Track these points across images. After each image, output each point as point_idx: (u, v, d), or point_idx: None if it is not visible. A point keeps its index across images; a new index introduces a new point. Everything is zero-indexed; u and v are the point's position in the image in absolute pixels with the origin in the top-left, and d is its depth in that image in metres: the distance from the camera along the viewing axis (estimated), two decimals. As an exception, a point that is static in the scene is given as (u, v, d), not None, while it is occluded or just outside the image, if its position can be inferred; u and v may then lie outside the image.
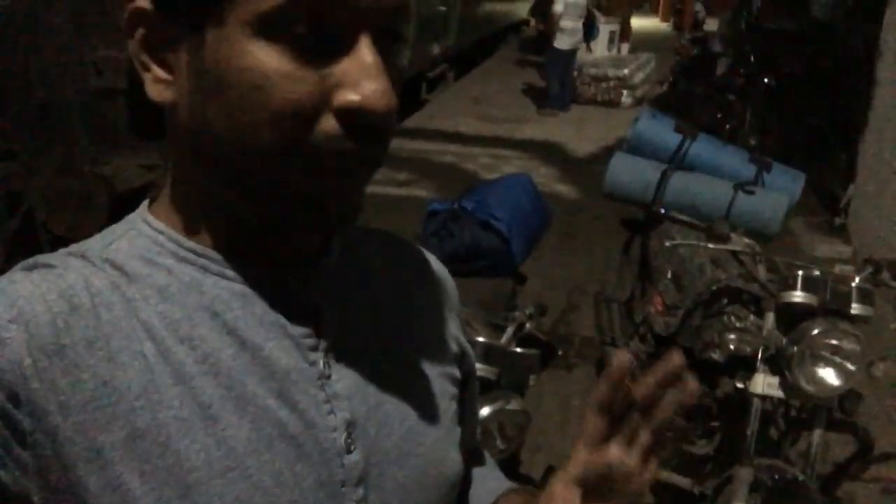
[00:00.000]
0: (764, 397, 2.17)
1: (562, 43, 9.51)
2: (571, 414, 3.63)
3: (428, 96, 10.92)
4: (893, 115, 5.09)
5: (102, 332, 0.52)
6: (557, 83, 9.81)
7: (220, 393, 0.54)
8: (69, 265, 0.54)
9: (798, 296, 2.09)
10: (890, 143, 5.09)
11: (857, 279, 2.15)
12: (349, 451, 0.59)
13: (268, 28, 0.49)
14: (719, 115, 7.88)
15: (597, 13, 11.57)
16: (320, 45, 0.50)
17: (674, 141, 3.12)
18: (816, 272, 2.14)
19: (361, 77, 0.50)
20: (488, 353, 1.83)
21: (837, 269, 2.20)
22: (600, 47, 11.84)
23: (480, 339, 1.84)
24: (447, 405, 0.69)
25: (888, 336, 3.40)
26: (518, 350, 1.91)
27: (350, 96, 0.50)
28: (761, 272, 2.26)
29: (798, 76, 7.65)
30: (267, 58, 0.49)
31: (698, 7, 19.40)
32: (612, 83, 10.37)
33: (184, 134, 0.55)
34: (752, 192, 2.98)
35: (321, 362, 0.59)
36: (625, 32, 13.64)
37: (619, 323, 3.45)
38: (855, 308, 2.07)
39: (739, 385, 2.22)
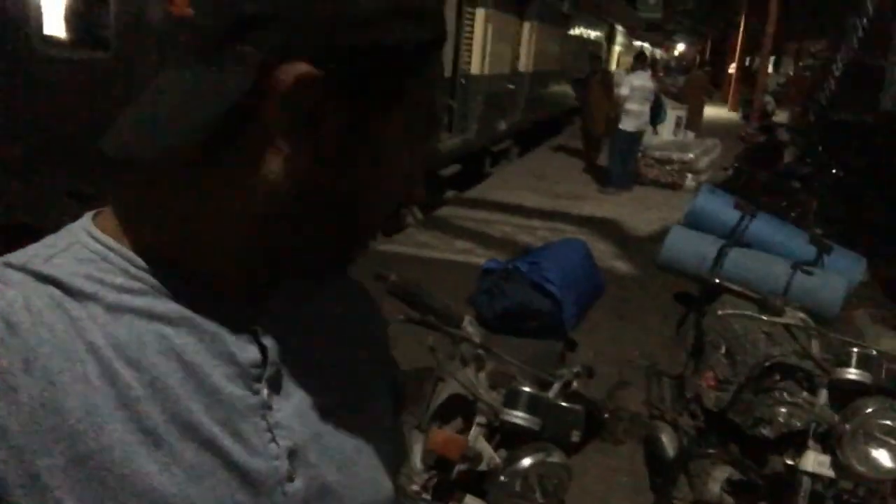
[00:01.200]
0: (814, 476, 2.12)
1: (627, 125, 9.65)
2: (615, 489, 3.56)
3: (491, 169, 11.13)
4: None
5: (42, 353, 0.50)
6: (620, 163, 9.90)
7: (165, 418, 0.53)
8: (9, 280, 0.52)
9: (852, 373, 2.06)
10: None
11: (914, 361, 2.11)
12: (291, 480, 0.59)
13: (414, 133, 0.60)
14: (784, 204, 7.82)
15: (665, 98, 11.71)
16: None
17: (733, 217, 3.14)
18: (872, 351, 2.11)
19: (422, 174, 0.64)
20: (533, 404, 1.85)
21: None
22: (667, 131, 11.92)
23: (526, 388, 1.86)
24: (383, 434, 0.71)
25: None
26: (563, 404, 1.92)
27: (419, 189, 0.64)
28: (815, 348, 2.23)
29: (865, 168, 7.56)
30: (408, 154, 0.60)
31: (768, 98, 19.42)
32: (676, 166, 10.40)
33: (277, 189, 0.55)
34: (810, 273, 2.97)
35: (264, 391, 0.59)
36: (695, 121, 13.69)
37: (669, 397, 3.40)
38: (911, 389, 2.03)
39: (789, 462, 2.18)
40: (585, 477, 3.58)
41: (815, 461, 2.09)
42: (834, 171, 7.52)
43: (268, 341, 0.60)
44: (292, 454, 0.59)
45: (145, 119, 0.54)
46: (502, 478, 1.82)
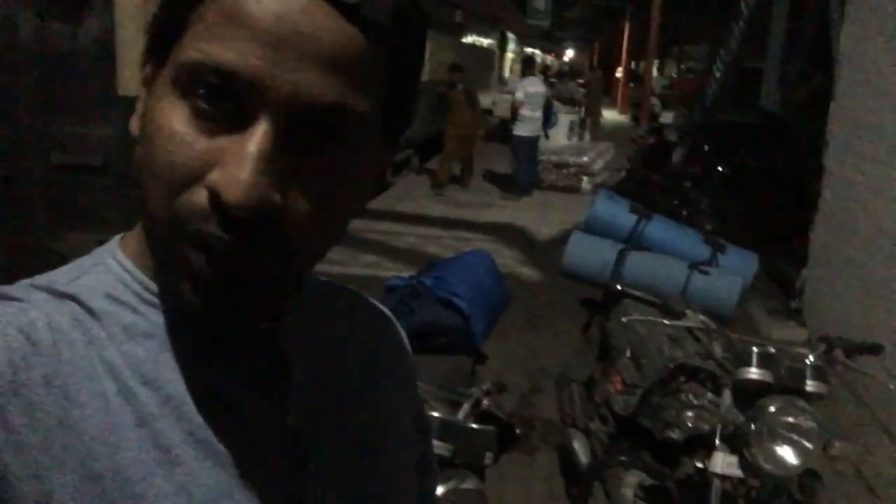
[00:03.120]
0: (724, 477, 2.14)
1: (522, 130, 9.81)
2: (533, 499, 3.54)
3: (392, 179, 11.07)
4: (841, 202, 5.27)
5: (62, 371, 0.50)
6: (521, 168, 10.05)
7: (182, 436, 0.53)
8: (32, 299, 0.53)
9: (754, 372, 2.09)
10: (840, 228, 5.25)
11: (811, 357, 2.17)
12: (305, 492, 0.58)
13: (179, 84, 0.49)
14: (676, 202, 8.09)
15: (557, 103, 11.95)
16: (221, 116, 0.48)
17: (630, 221, 3.19)
18: (771, 349, 2.16)
19: (232, 160, 0.47)
20: (443, 429, 1.79)
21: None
22: (561, 136, 12.17)
23: (436, 414, 1.80)
24: (405, 463, 0.70)
25: (844, 417, 3.42)
26: (474, 426, 1.87)
27: (215, 176, 0.47)
28: (717, 349, 2.26)
29: (750, 166, 7.92)
30: (170, 113, 0.49)
31: (655, 101, 20.17)
32: (572, 169, 10.62)
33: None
34: (706, 273, 3.04)
35: (286, 408, 0.59)
36: (594, 120, 14.18)
37: (580, 404, 3.41)
38: (810, 385, 2.08)
39: (699, 465, 2.19)
40: (503, 489, 3.56)
41: (723, 462, 2.11)
42: (721, 169, 7.83)
43: (287, 356, 0.60)
44: (311, 470, 0.59)
45: None
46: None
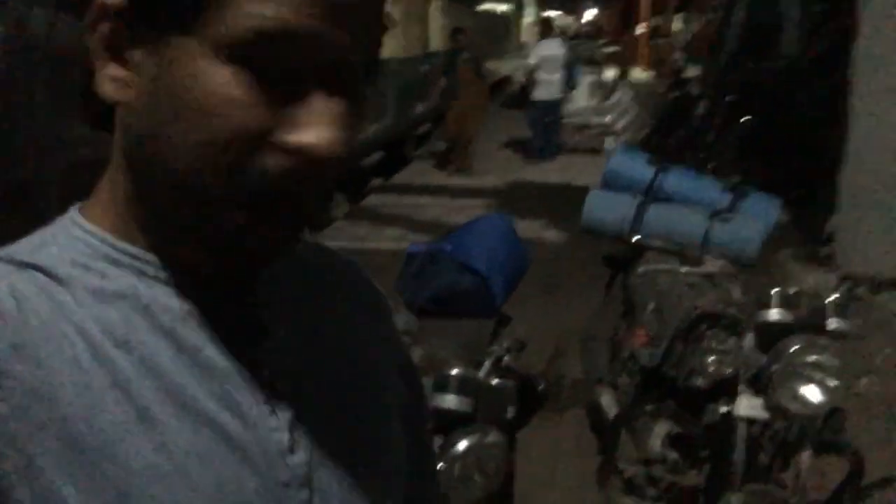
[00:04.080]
0: (749, 420, 2.14)
1: (538, 94, 9.69)
2: (561, 458, 3.57)
3: (415, 153, 11.07)
4: (868, 143, 5.16)
5: (30, 339, 0.50)
6: (539, 133, 9.96)
7: (160, 397, 0.52)
8: None
9: (774, 313, 2.08)
10: (868, 170, 5.15)
11: (833, 295, 2.15)
12: (292, 452, 0.58)
13: (234, 54, 0.48)
14: (701, 156, 7.99)
15: (578, 65, 11.79)
16: (281, 82, 0.49)
17: (648, 174, 3.15)
18: (792, 290, 2.14)
19: (318, 121, 0.49)
20: (463, 386, 1.80)
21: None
22: (582, 97, 12.03)
23: (455, 370, 1.81)
24: (391, 417, 0.69)
25: (878, 356, 3.38)
26: (493, 381, 1.88)
27: (304, 137, 0.49)
28: (737, 293, 2.25)
29: (775, 113, 7.77)
30: (226, 82, 0.48)
31: (677, 55, 19.78)
32: (595, 131, 10.52)
33: (131, 135, 0.54)
34: (727, 220, 3.00)
35: (261, 363, 0.58)
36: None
37: (605, 360, 3.41)
38: (831, 323, 2.06)
39: (724, 410, 2.19)
40: (531, 450, 3.58)
41: (747, 405, 2.11)
42: (744, 119, 7.70)
43: (263, 313, 0.59)
44: (293, 425, 0.58)
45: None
46: (440, 464, 1.77)
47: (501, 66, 19.20)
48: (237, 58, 0.48)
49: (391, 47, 9.72)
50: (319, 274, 0.69)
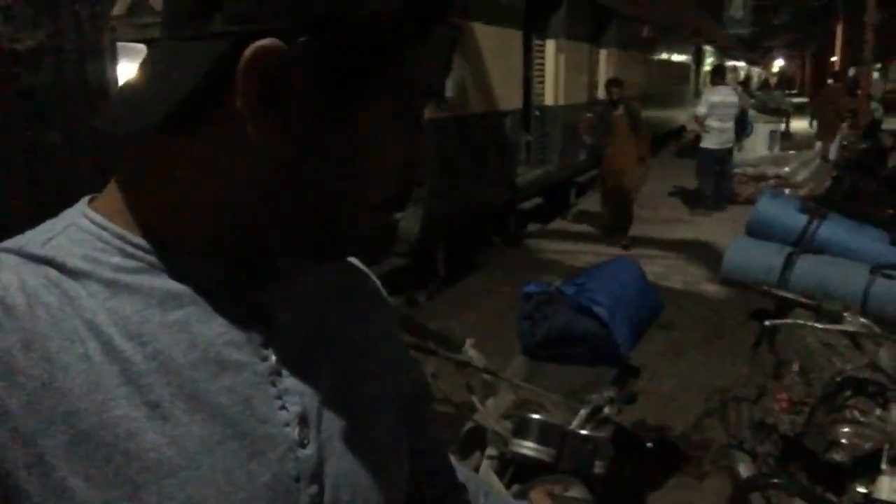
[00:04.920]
0: (893, 505, 1.84)
1: (708, 142, 9.29)
2: (699, 527, 3.27)
3: (576, 201, 10.91)
4: None
5: (40, 334, 0.50)
6: (708, 182, 9.51)
7: (171, 390, 0.53)
8: (2, 263, 0.53)
9: (926, 383, 1.78)
10: None
11: None
12: (302, 446, 0.58)
13: (406, 103, 0.57)
14: (891, 211, 7.25)
15: (754, 113, 11.20)
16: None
17: (800, 222, 2.87)
18: (952, 357, 1.82)
19: (421, 157, 0.59)
20: (545, 433, 1.68)
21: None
22: (760, 146, 11.37)
23: (536, 416, 1.69)
24: (393, 409, 0.70)
25: None
26: (582, 432, 1.74)
27: (420, 174, 0.60)
28: (884, 357, 1.95)
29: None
30: (400, 141, 0.57)
31: (875, 105, 18.32)
32: (772, 182, 9.88)
33: (256, 164, 0.55)
34: (893, 277, 2.65)
35: (272, 358, 0.59)
36: (827, 137, 12.51)
37: (747, 424, 3.10)
38: None
39: (863, 490, 1.90)
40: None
41: (890, 488, 1.81)
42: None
43: (273, 309, 0.60)
44: (303, 420, 0.59)
45: (131, 94, 0.57)
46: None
47: (679, 116, 18.67)
48: (406, 107, 0.57)
49: (555, 93, 9.72)
50: (322, 268, 0.70)
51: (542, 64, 9.52)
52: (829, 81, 16.96)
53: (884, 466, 1.83)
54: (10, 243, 0.55)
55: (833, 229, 2.81)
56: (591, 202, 10.87)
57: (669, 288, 6.18)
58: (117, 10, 3.51)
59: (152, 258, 0.56)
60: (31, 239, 0.55)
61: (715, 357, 5.09)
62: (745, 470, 2.91)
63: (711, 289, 6.53)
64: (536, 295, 2.72)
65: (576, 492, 1.64)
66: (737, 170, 10.11)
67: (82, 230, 0.56)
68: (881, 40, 18.88)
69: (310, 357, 0.62)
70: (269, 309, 0.60)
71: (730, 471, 3.34)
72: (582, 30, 10.51)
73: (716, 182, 9.58)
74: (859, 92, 17.67)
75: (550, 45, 9.53)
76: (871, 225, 3.02)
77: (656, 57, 16.64)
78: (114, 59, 3.41)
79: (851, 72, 22.90)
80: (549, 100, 9.66)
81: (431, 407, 0.85)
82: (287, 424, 0.58)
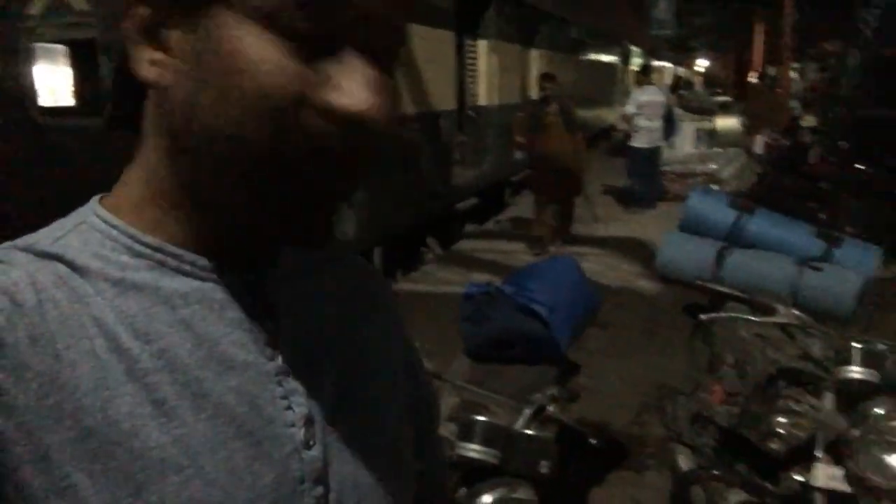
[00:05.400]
0: (828, 492, 1.89)
1: (638, 142, 9.48)
2: (641, 521, 3.31)
3: (511, 200, 11.00)
4: None
5: (48, 330, 0.50)
6: (639, 181, 9.71)
7: (176, 389, 0.53)
8: (13, 260, 0.53)
9: (856, 371, 1.83)
10: None
11: (929, 353, 1.88)
12: (308, 447, 0.58)
13: (272, 20, 0.48)
14: (813, 206, 7.52)
15: (681, 112, 11.49)
16: (316, 43, 0.49)
17: (729, 217, 2.94)
18: (879, 346, 1.89)
19: (353, 81, 0.49)
20: (490, 435, 1.66)
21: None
22: (687, 144, 11.68)
23: (481, 418, 1.68)
24: (399, 412, 0.69)
25: None
26: (527, 432, 1.73)
27: (342, 98, 0.49)
28: (816, 348, 2.01)
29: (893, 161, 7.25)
30: (264, 47, 0.48)
31: (794, 104, 19.04)
32: (699, 179, 10.15)
33: (174, 118, 0.53)
34: (819, 269, 2.74)
35: (279, 358, 0.58)
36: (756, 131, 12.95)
37: (685, 418, 3.16)
38: (925, 385, 1.80)
39: (800, 478, 1.95)
40: (611, 510, 3.35)
41: (825, 475, 1.86)
42: (860, 167, 7.21)
43: (279, 309, 0.60)
44: (309, 421, 0.58)
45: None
46: (464, 519, 1.63)
47: (608, 115, 19.02)
48: (273, 21, 0.48)
49: (488, 94, 9.78)
50: (329, 268, 0.69)
51: (475, 64, 9.57)
52: (753, 80, 17.55)
53: (818, 454, 1.88)
54: (21, 241, 0.55)
55: (761, 224, 2.89)
56: (528, 201, 11.00)
57: (605, 285, 6.27)
58: (36, 9, 3.37)
59: (160, 256, 0.56)
60: (43, 236, 0.56)
61: (652, 352, 5.19)
62: (684, 462, 2.97)
63: (646, 285, 6.67)
64: (477, 295, 2.71)
65: (522, 494, 1.63)
66: (666, 168, 10.34)
67: (92, 228, 0.56)
68: (799, 40, 19.64)
69: (316, 358, 0.62)
70: (275, 309, 0.60)
71: (670, 464, 3.41)
72: (512, 30, 10.60)
73: (646, 180, 9.79)
74: (779, 90, 18.37)
75: (482, 45, 9.58)
76: (796, 219, 3.12)
77: (585, 58, 16.92)
78: (30, 60, 3.28)
79: (772, 71, 23.77)
80: (482, 100, 9.72)
81: (436, 426, 0.83)
82: (293, 425, 0.57)
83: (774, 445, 2.10)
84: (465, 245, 8.57)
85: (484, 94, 9.70)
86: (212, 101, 0.50)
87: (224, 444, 0.54)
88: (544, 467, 1.70)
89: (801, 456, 2.01)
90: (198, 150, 0.52)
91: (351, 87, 0.49)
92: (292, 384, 0.58)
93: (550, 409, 1.90)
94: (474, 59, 9.53)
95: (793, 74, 20.08)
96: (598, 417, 4.12)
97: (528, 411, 1.85)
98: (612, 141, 18.06)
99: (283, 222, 0.53)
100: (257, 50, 0.49)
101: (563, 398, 1.95)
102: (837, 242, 2.79)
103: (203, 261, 0.57)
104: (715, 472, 2.31)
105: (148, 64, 0.52)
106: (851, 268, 2.75)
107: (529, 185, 7.91)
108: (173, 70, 0.52)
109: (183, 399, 0.53)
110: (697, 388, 3.21)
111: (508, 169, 10.59)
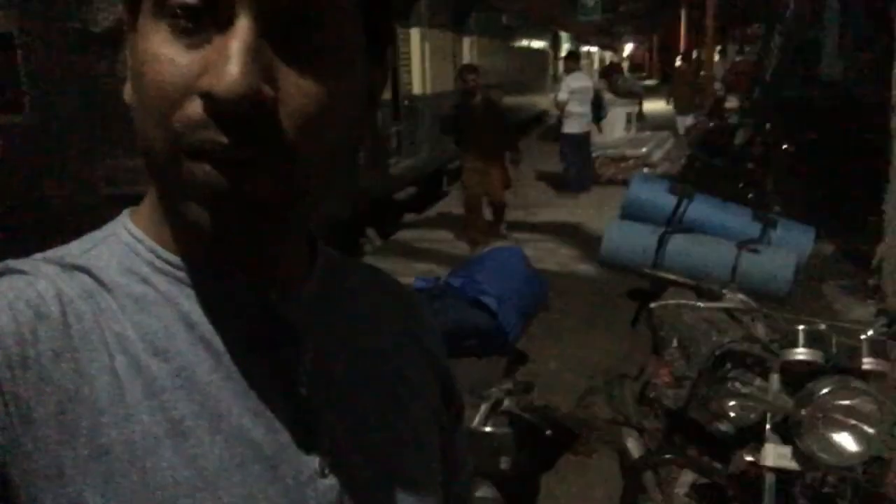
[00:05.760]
0: (778, 470, 1.94)
1: (570, 127, 9.57)
2: None
3: (449, 188, 11.01)
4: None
5: (71, 344, 0.50)
6: (573, 167, 9.83)
7: (194, 409, 0.52)
8: (41, 272, 0.52)
9: (801, 353, 1.88)
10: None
11: (868, 331, 1.95)
12: (323, 475, 0.56)
13: (155, 7, 0.48)
14: (741, 186, 7.74)
15: (611, 96, 11.67)
16: (201, 26, 0.48)
17: (670, 203, 2.99)
18: (821, 326, 1.94)
19: (219, 59, 0.46)
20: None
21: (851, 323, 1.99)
22: (618, 128, 11.86)
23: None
24: (427, 440, 0.66)
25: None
26: (485, 429, 1.72)
27: (205, 80, 0.46)
28: (761, 330, 2.06)
29: (816, 141, 7.51)
30: (152, 38, 0.48)
31: (718, 86, 19.55)
32: (630, 162, 10.33)
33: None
34: (757, 251, 2.81)
35: (298, 382, 0.57)
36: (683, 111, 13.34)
37: (632, 401, 3.21)
38: (867, 363, 1.86)
39: (750, 458, 1.99)
40: (561, 497, 3.39)
41: (775, 454, 1.91)
42: (785, 147, 7.45)
43: (300, 329, 0.58)
44: (326, 448, 0.57)
45: None
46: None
47: (540, 101, 19.19)
48: (159, 13, 0.48)
49: (422, 82, 9.74)
50: (366, 292, 0.68)
51: (408, 53, 9.51)
52: (679, 63, 17.99)
53: (767, 434, 1.93)
54: (52, 253, 0.55)
55: (700, 208, 2.95)
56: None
57: (545, 270, 6.33)
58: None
59: (181, 274, 0.55)
60: (74, 248, 0.56)
61: (594, 336, 5.27)
62: (633, 445, 3.02)
63: (586, 269, 6.76)
64: (425, 290, 2.69)
65: (484, 492, 1.62)
66: (598, 152, 10.48)
67: (121, 242, 0.56)
68: (722, 24, 20.16)
69: (338, 384, 0.60)
70: (296, 328, 0.58)
71: (618, 446, 3.46)
72: (444, 18, 10.57)
73: (579, 165, 9.92)
74: (703, 73, 18.83)
75: (415, 33, 9.54)
76: (726, 200, 3.20)
77: (516, 44, 17.01)
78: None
79: (696, 55, 24.35)
80: (416, 89, 9.68)
81: (468, 470, 0.80)
82: (310, 451, 0.56)
83: (723, 427, 2.14)
84: (404, 235, 8.55)
85: (418, 82, 9.67)
86: (136, 109, 0.51)
87: (239, 467, 0.52)
88: (504, 463, 1.70)
89: (750, 436, 2.06)
90: (145, 160, 0.52)
91: (212, 64, 0.46)
92: (311, 408, 0.57)
93: (506, 402, 1.90)
94: (408, 47, 9.47)
95: (716, 57, 20.61)
96: (544, 403, 4.17)
97: (484, 407, 1.85)
98: (544, 126, 18.25)
99: (211, 240, 0.51)
100: (154, 45, 0.48)
101: (518, 391, 1.94)
102: (773, 224, 2.87)
103: (222, 278, 0.56)
104: (666, 456, 2.35)
105: (127, 88, 0.53)
106: (787, 248, 2.82)
107: (461, 184, 7.42)
108: (130, 89, 0.52)
109: (200, 419, 0.52)
110: (643, 371, 3.27)
111: (445, 157, 10.59)
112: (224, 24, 0.47)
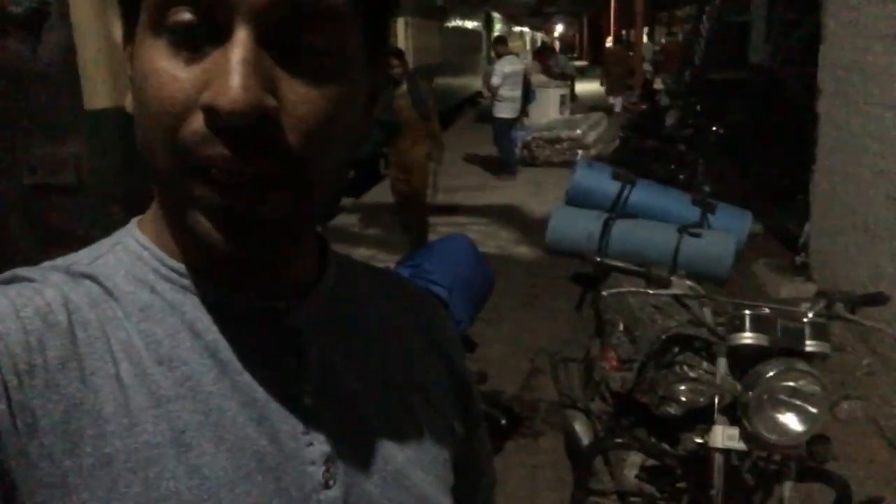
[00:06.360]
0: (726, 451, 2.00)
1: (503, 112, 9.62)
2: (539, 486, 3.41)
3: (386, 171, 10.93)
4: (837, 148, 5.09)
5: (77, 353, 0.50)
6: (505, 150, 9.91)
7: (198, 418, 0.51)
8: (49, 280, 0.52)
9: (748, 337, 1.94)
10: (839, 177, 5.07)
11: (809, 314, 2.02)
12: (327, 487, 0.55)
13: (153, 23, 0.48)
14: (672, 167, 7.91)
15: (544, 78, 11.75)
16: (199, 40, 0.47)
17: (613, 189, 3.03)
18: (766, 310, 2.00)
19: (219, 73, 0.46)
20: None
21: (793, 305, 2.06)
22: (551, 110, 11.97)
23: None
24: (439, 451, 0.65)
25: (859, 369, 3.26)
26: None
27: (207, 94, 0.46)
28: (708, 316, 2.11)
29: (744, 123, 7.72)
30: (152, 54, 0.48)
31: (647, 67, 19.91)
32: (565, 144, 10.44)
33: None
34: (697, 235, 2.88)
35: (303, 392, 0.56)
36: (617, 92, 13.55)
37: (578, 384, 3.26)
38: (810, 345, 1.92)
39: (699, 440, 2.05)
40: (508, 476, 3.43)
41: (723, 435, 1.96)
42: (714, 128, 7.65)
43: (305, 338, 0.58)
44: (329, 460, 0.56)
45: None
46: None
47: (473, 83, 19.20)
48: (157, 29, 0.48)
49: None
50: (382, 299, 0.67)
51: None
52: (609, 44, 18.26)
53: (716, 416, 1.99)
54: (60, 261, 0.55)
55: (642, 194, 3.00)
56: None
57: (485, 254, 6.37)
58: None
59: (186, 282, 0.55)
60: (83, 256, 0.56)
61: (535, 319, 5.33)
62: (580, 427, 3.07)
63: (525, 252, 6.83)
64: (374, 281, 2.66)
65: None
66: (534, 134, 10.56)
67: (128, 250, 0.56)
68: (650, 5, 20.52)
69: (344, 394, 0.59)
70: (302, 338, 0.57)
71: (563, 428, 3.52)
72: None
73: (511, 148, 10.01)
74: (631, 54, 19.17)
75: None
76: (675, 187, 3.27)
77: (450, 25, 16.95)
78: None
79: (625, 36, 24.76)
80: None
81: (483, 461, 0.78)
82: (313, 463, 0.55)
83: (672, 409, 2.19)
84: (343, 220, 8.46)
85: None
86: (139, 122, 0.51)
87: (243, 478, 0.52)
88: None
89: (699, 418, 2.12)
90: (150, 174, 0.52)
91: (217, 79, 0.46)
92: (315, 419, 0.56)
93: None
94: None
95: (644, 39, 20.98)
96: (489, 387, 4.20)
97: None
98: (478, 108, 18.29)
99: (199, 228, 0.50)
100: (154, 60, 0.48)
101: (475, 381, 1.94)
102: (712, 208, 2.94)
103: (226, 287, 0.55)
104: (617, 440, 2.40)
105: (128, 98, 0.54)
106: (726, 231, 2.90)
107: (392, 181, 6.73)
108: (132, 100, 0.53)
109: (204, 429, 0.51)
110: (587, 354, 3.32)
111: (381, 139, 10.49)
112: (223, 37, 0.47)
